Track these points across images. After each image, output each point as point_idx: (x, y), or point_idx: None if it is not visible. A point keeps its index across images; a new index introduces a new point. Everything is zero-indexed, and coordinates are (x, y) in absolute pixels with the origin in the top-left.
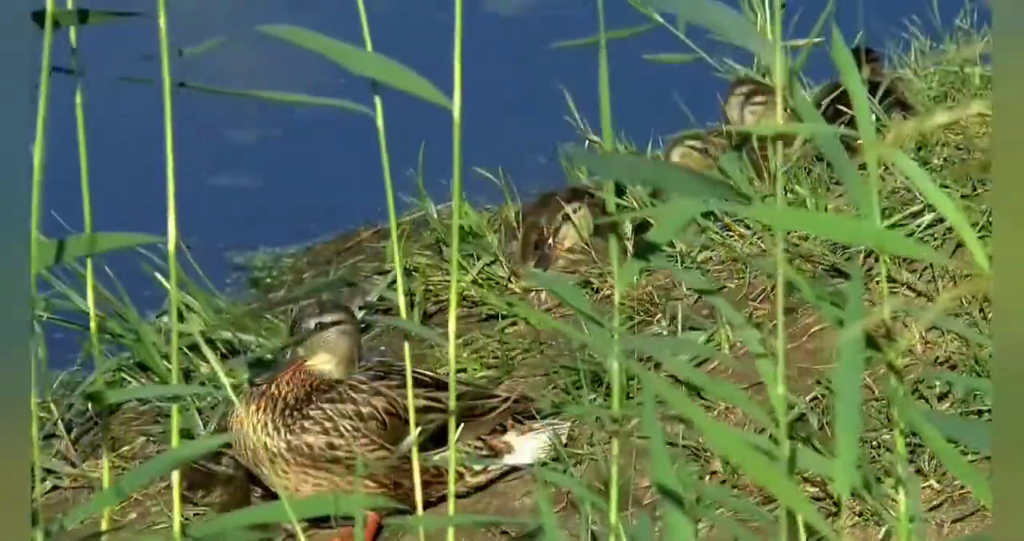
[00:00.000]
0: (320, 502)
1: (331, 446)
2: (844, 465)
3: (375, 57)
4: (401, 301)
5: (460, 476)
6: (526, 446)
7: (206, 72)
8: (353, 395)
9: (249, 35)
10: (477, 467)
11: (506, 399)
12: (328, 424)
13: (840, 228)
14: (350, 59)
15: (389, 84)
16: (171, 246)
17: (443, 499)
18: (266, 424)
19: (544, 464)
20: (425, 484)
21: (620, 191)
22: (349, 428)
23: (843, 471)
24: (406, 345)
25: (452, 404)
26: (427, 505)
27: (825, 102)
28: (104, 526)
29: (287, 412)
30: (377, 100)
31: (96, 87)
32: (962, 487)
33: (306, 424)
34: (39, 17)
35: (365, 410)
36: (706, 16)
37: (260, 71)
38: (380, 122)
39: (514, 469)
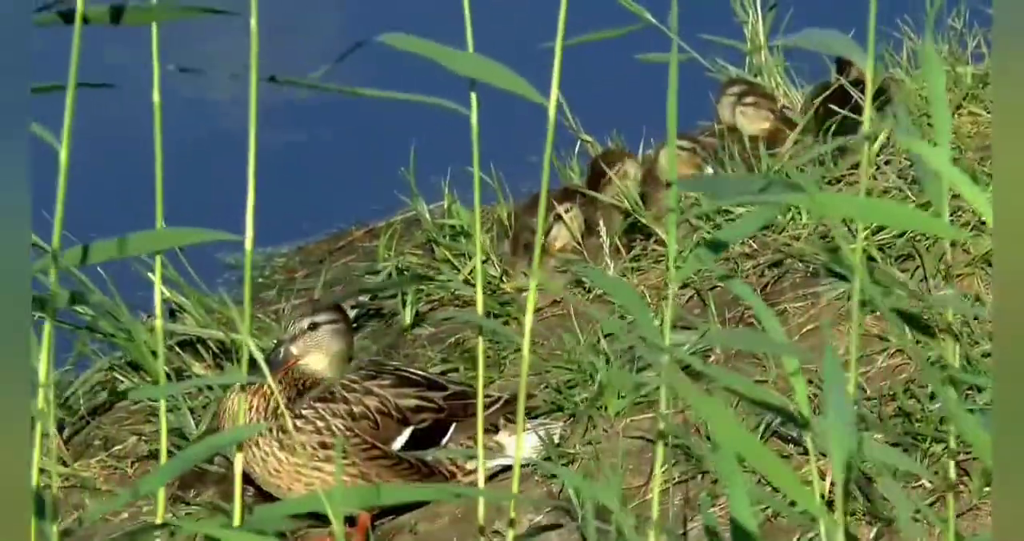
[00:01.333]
0: (315, 500)
1: (323, 445)
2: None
3: (475, 57)
4: (479, 294)
5: (452, 475)
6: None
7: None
8: (345, 394)
9: (332, 34)
10: (469, 466)
11: (498, 399)
12: (320, 423)
13: (909, 218)
14: (451, 60)
15: (491, 82)
16: (248, 244)
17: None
18: (258, 423)
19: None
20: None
21: (595, 181)
22: (341, 427)
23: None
24: (479, 341)
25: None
26: (421, 504)
27: (817, 101)
28: (158, 517)
29: (279, 411)
30: (473, 98)
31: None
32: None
33: (298, 423)
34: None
35: (357, 410)
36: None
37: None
38: (474, 119)
39: (507, 468)
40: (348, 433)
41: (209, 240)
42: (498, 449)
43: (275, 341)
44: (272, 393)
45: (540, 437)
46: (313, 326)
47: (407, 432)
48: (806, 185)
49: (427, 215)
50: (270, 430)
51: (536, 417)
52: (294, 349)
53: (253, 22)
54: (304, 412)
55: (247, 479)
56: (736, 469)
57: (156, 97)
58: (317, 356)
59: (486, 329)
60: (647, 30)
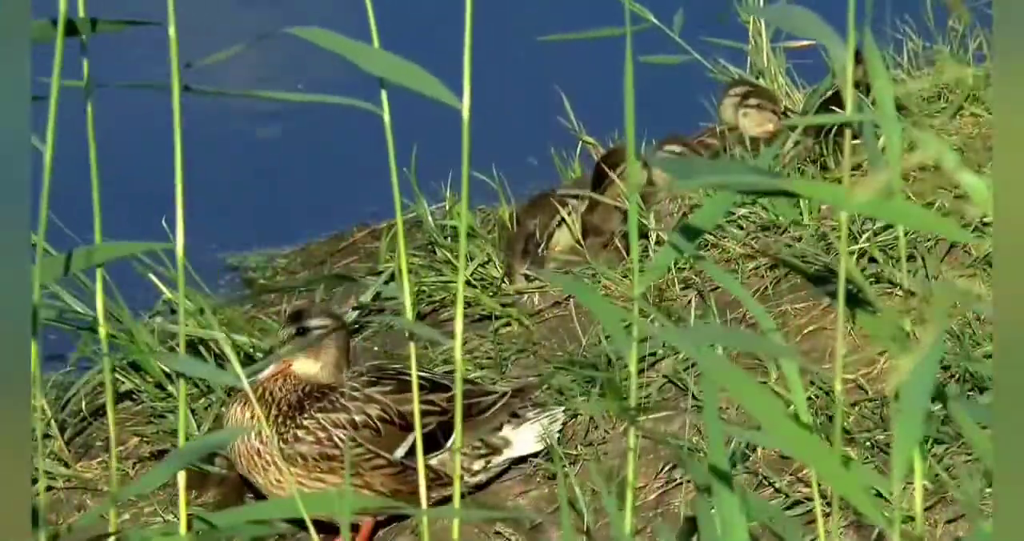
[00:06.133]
0: (317, 503)
1: (325, 456)
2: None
3: (386, 55)
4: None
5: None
6: (522, 437)
7: (209, 74)
8: (346, 403)
9: (249, 38)
10: (476, 467)
11: (503, 394)
12: (322, 434)
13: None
14: (363, 57)
15: (400, 83)
16: (179, 251)
17: (441, 502)
18: (259, 432)
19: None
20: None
21: (597, 183)
22: (343, 437)
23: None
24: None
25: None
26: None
27: (817, 103)
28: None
29: (280, 420)
30: (384, 97)
31: (103, 94)
32: (956, 488)
33: (300, 434)
34: (50, 26)
35: (359, 418)
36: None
37: (264, 72)
38: (387, 118)
39: (511, 468)
40: (350, 443)
41: (136, 251)
42: (504, 444)
43: (268, 346)
44: (274, 401)
45: (542, 426)
46: (303, 331)
47: (410, 438)
48: (784, 175)
49: (428, 217)
50: (271, 439)
51: (536, 407)
52: (284, 353)
53: (172, 30)
54: (305, 422)
55: (250, 485)
56: (715, 415)
57: (89, 110)
58: (308, 361)
59: (488, 331)
60: (651, 31)
